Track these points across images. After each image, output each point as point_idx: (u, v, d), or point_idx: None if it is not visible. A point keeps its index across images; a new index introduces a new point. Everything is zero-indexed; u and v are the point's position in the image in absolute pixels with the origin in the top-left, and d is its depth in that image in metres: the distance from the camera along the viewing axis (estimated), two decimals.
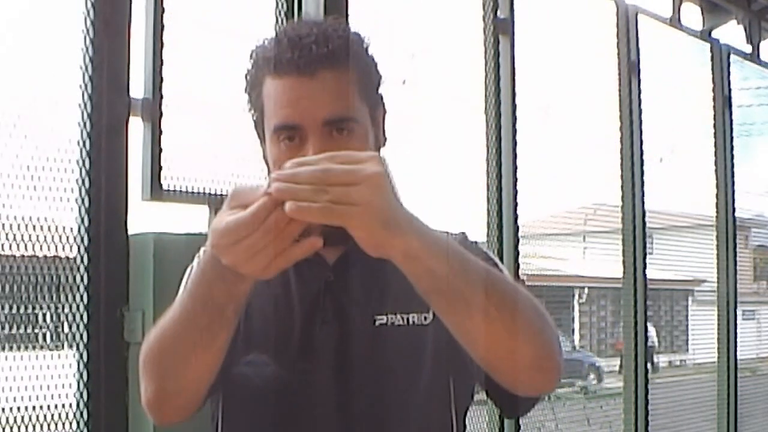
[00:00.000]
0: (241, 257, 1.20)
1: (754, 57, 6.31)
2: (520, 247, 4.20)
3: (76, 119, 2.67)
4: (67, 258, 2.65)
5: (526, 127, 4.25)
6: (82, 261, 2.64)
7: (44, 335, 2.76)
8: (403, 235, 1.20)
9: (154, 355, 1.37)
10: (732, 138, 5.98)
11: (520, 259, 4.22)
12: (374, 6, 3.60)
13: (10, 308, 2.68)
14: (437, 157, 3.96)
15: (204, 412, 1.49)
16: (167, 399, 1.39)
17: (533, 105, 4.40)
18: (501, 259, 4.04)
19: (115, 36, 2.73)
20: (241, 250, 1.19)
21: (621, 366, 5.34)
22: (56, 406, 2.62)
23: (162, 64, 2.83)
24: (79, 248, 2.65)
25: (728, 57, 5.97)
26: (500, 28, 4.17)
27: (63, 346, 2.73)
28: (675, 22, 5.54)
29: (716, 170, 5.91)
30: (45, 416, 2.58)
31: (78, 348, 2.63)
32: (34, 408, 2.56)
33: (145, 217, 2.81)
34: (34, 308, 2.72)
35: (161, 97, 2.83)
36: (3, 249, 2.54)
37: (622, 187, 5.03)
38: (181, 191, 2.89)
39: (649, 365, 5.37)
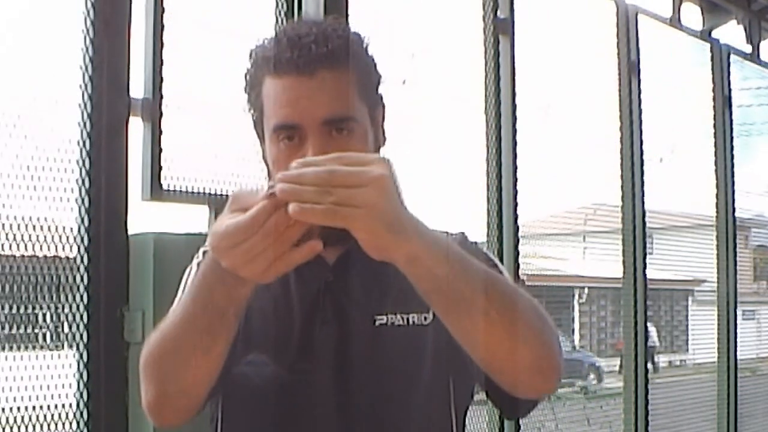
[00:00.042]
0: (240, 260, 1.19)
1: (754, 57, 6.31)
2: (520, 247, 4.20)
3: (76, 119, 2.67)
4: (67, 258, 2.65)
5: (526, 127, 4.25)
6: (82, 261, 2.64)
7: (44, 335, 2.76)
8: (406, 238, 1.20)
9: (155, 359, 1.37)
10: (732, 138, 5.98)
11: (520, 259, 4.22)
12: (374, 6, 3.60)
13: (10, 308, 2.68)
14: (437, 157, 3.96)
15: (203, 413, 1.48)
16: (168, 402, 1.39)
17: (533, 105, 4.40)
18: (501, 259, 4.04)
19: (115, 36, 2.73)
20: (240, 254, 1.19)
21: (621, 366, 5.34)
22: (56, 406, 2.62)
23: (162, 64, 2.83)
24: (79, 248, 2.65)
25: (728, 57, 5.97)
26: (500, 28, 4.17)
27: (63, 346, 2.73)
28: (675, 22, 5.54)
29: (716, 170, 5.91)
30: (45, 416, 2.58)
31: (78, 348, 2.63)
32: (34, 408, 2.56)
33: (145, 217, 2.82)
34: (34, 308, 2.72)
35: (161, 97, 2.83)
36: (3, 249, 2.54)
37: (622, 187, 5.03)
38: (181, 191, 2.89)
39: (650, 365, 5.37)
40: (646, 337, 5.16)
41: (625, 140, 5.02)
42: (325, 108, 1.41)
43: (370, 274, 1.46)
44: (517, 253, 4.17)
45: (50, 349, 2.75)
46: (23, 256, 2.59)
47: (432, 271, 1.24)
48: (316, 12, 3.20)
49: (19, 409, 2.54)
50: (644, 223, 5.08)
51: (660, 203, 5.43)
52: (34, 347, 2.73)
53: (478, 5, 4.13)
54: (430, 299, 1.29)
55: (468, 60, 4.14)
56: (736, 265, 5.94)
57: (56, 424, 2.60)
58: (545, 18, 4.55)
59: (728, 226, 5.91)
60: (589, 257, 5.99)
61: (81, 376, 2.62)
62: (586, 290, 6.76)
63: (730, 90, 5.97)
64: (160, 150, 2.83)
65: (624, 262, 5.03)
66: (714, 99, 5.89)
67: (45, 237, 2.60)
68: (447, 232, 1.59)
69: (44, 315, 2.75)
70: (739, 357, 5.94)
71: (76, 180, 2.66)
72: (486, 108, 4.13)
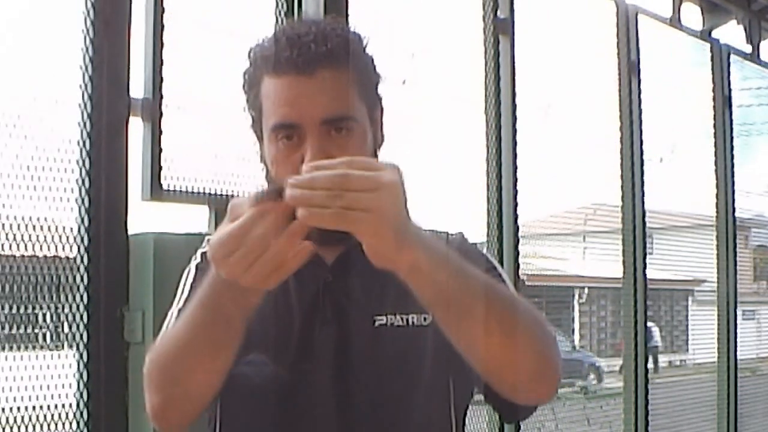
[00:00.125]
0: (238, 269, 1.19)
1: (754, 57, 6.31)
2: (520, 247, 4.20)
3: (76, 119, 2.67)
4: (67, 258, 2.65)
5: (526, 127, 4.25)
6: (82, 261, 2.64)
7: (44, 335, 2.76)
8: (410, 246, 1.21)
9: (161, 365, 1.37)
10: (732, 138, 5.98)
11: (520, 259, 4.22)
12: (374, 6, 3.60)
13: (10, 308, 2.68)
14: (437, 157, 3.96)
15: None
16: (173, 407, 1.39)
17: (533, 105, 4.40)
18: (501, 258, 4.05)
19: (115, 36, 2.73)
20: (235, 263, 1.19)
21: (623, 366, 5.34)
22: (56, 406, 2.62)
23: (162, 64, 2.83)
24: (79, 248, 2.65)
25: (728, 57, 5.97)
26: (500, 28, 4.17)
27: (63, 346, 2.73)
28: (675, 22, 5.54)
29: (716, 170, 5.91)
30: (45, 416, 2.58)
31: (78, 348, 2.63)
32: (34, 408, 2.56)
33: (145, 217, 2.82)
34: (34, 308, 2.72)
35: (161, 97, 2.83)
36: (3, 249, 2.54)
37: (622, 187, 5.03)
38: (181, 191, 2.89)
39: (652, 365, 5.37)
40: (646, 337, 5.16)
41: (625, 140, 5.02)
42: (325, 107, 1.41)
43: (370, 275, 1.45)
44: (517, 253, 4.17)
45: (50, 349, 2.75)
46: (23, 256, 2.59)
47: (433, 280, 1.25)
48: (316, 12, 3.20)
49: (19, 409, 2.54)
50: (644, 223, 5.08)
51: (660, 203, 5.43)
52: (34, 347, 2.73)
53: (478, 5, 4.13)
54: (430, 308, 1.31)
55: (468, 60, 4.14)
56: (736, 265, 5.95)
57: (56, 424, 2.60)
58: (545, 18, 4.55)
59: (728, 226, 5.91)
60: (589, 257, 5.99)
61: (81, 376, 2.62)
62: (586, 290, 6.75)
63: (730, 90, 5.97)
64: (160, 150, 2.83)
65: (624, 262, 5.03)
66: (714, 99, 5.89)
67: (45, 237, 2.60)
68: (447, 233, 1.59)
69: (44, 315, 2.75)
70: (739, 357, 5.94)
71: (76, 180, 2.66)
72: (486, 108, 4.13)
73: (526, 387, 1.36)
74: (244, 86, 1.49)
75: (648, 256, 5.13)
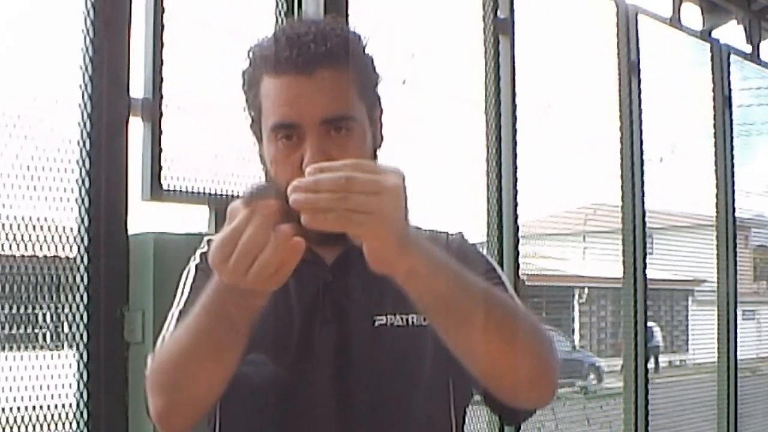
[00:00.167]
0: (236, 273, 1.19)
1: (754, 57, 6.31)
2: (520, 247, 4.20)
3: (76, 119, 2.67)
4: (67, 258, 2.65)
5: (526, 127, 4.25)
6: (82, 261, 2.64)
7: (44, 335, 2.76)
8: (409, 251, 1.21)
9: (164, 370, 1.37)
10: (732, 138, 5.98)
11: (520, 259, 4.22)
12: (374, 6, 3.60)
13: (10, 308, 2.68)
14: (437, 157, 3.96)
15: None
16: (177, 412, 1.39)
17: (533, 105, 4.40)
18: (501, 258, 4.05)
19: (115, 36, 2.73)
20: (233, 267, 1.19)
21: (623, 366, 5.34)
22: (56, 406, 2.62)
23: (162, 64, 2.83)
24: (79, 248, 2.65)
25: (728, 57, 5.97)
26: (500, 28, 4.17)
27: (63, 346, 2.73)
28: (675, 22, 5.54)
29: (716, 170, 5.91)
30: (45, 416, 2.58)
31: (78, 348, 2.63)
32: (34, 408, 2.56)
33: (145, 217, 2.82)
34: (34, 308, 2.72)
35: (161, 97, 2.83)
36: (3, 249, 2.54)
37: (622, 187, 5.03)
38: (181, 191, 2.89)
39: (653, 365, 5.36)
40: (646, 337, 5.16)
41: (625, 140, 5.02)
42: (324, 107, 1.41)
43: (370, 275, 1.45)
44: (517, 253, 4.17)
45: (50, 349, 2.75)
46: (23, 256, 2.59)
47: (430, 287, 1.25)
48: (316, 12, 3.20)
49: (19, 409, 2.54)
50: (644, 223, 5.08)
51: (660, 203, 5.43)
52: (34, 347, 2.73)
53: (478, 5, 4.13)
54: (427, 313, 1.31)
55: (468, 60, 4.14)
56: (736, 265, 5.95)
57: (56, 424, 2.60)
58: (545, 18, 4.55)
59: (728, 226, 5.91)
60: (589, 257, 5.99)
61: (81, 376, 2.62)
62: (586, 290, 6.75)
63: (730, 90, 5.97)
64: (160, 150, 2.83)
65: (624, 262, 5.03)
66: (714, 99, 5.89)
67: (45, 237, 2.60)
68: (447, 233, 1.59)
69: (44, 315, 2.75)
70: (739, 357, 5.94)
71: (76, 180, 2.66)
72: (486, 108, 4.13)
73: (524, 392, 1.36)
74: (243, 86, 1.49)
75: (648, 256, 5.13)
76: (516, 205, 4.15)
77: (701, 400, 5.87)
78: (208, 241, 1.54)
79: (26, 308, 2.71)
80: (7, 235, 2.53)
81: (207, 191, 2.97)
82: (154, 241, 2.72)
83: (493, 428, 4.09)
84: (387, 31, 3.55)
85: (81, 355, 2.62)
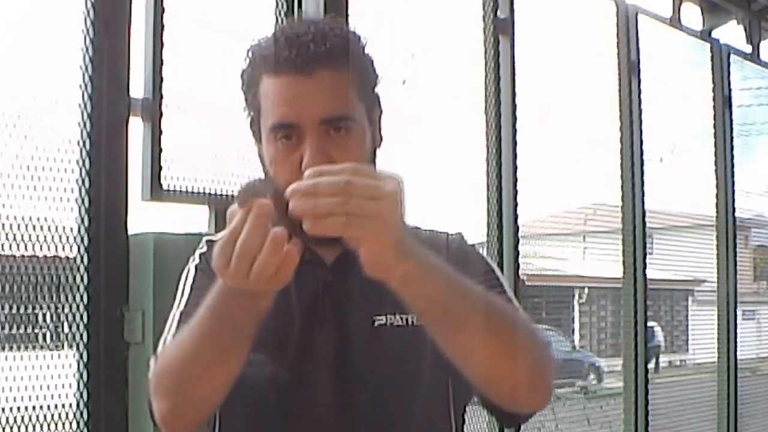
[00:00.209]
0: (238, 275, 1.19)
1: (754, 57, 6.31)
2: (520, 247, 4.20)
3: (76, 119, 2.67)
4: (67, 258, 2.65)
5: (526, 127, 4.25)
6: (82, 261, 2.64)
7: (44, 335, 2.76)
8: (405, 257, 1.21)
9: (168, 374, 1.37)
10: (732, 138, 5.98)
11: (520, 259, 4.22)
12: (374, 6, 3.60)
13: (10, 308, 2.68)
14: (437, 157, 3.96)
15: None
16: (182, 415, 1.39)
17: (533, 105, 4.40)
18: (501, 258, 4.05)
19: (115, 36, 2.73)
20: (234, 269, 1.19)
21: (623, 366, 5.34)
22: (56, 406, 2.62)
23: (162, 64, 2.83)
24: (79, 248, 2.65)
25: (728, 57, 5.97)
26: (500, 28, 4.17)
27: (63, 346, 2.73)
28: (675, 22, 5.54)
29: (716, 170, 5.91)
30: (45, 416, 2.58)
31: (78, 348, 2.63)
32: (34, 408, 2.56)
33: (145, 217, 2.82)
34: (34, 308, 2.72)
35: (161, 97, 2.83)
36: (3, 249, 2.54)
37: (622, 187, 5.03)
38: (181, 191, 2.89)
39: (653, 365, 5.36)
40: (646, 337, 5.16)
41: (625, 140, 5.02)
42: (323, 107, 1.41)
43: (369, 275, 1.46)
44: (517, 253, 4.17)
45: (50, 349, 2.75)
46: (23, 256, 2.59)
47: (426, 292, 1.25)
48: (316, 12, 3.20)
49: (19, 409, 2.54)
50: (644, 223, 5.08)
51: (660, 203, 5.43)
52: (34, 347, 2.73)
53: (478, 5, 4.13)
54: (422, 318, 1.31)
55: (468, 60, 4.14)
56: (736, 265, 5.94)
57: (56, 424, 2.60)
58: (545, 18, 4.55)
59: (728, 226, 5.91)
60: (589, 257, 5.99)
61: (81, 376, 2.62)
62: (586, 290, 6.75)
63: (730, 90, 5.97)
64: (160, 150, 2.83)
65: (624, 262, 5.03)
66: (714, 99, 5.89)
67: (45, 237, 2.60)
68: (446, 233, 1.59)
69: (44, 315, 2.75)
70: (739, 357, 5.94)
71: (76, 180, 2.66)
72: (486, 108, 4.13)
73: (522, 397, 1.36)
74: (242, 86, 1.49)
75: (648, 256, 5.13)
76: (516, 205, 4.15)
77: (701, 400, 5.87)
78: (207, 242, 1.54)
79: (26, 308, 2.71)
80: (7, 235, 2.53)
81: (207, 191, 2.96)
82: (154, 241, 2.72)
83: (492, 428, 4.09)
84: (387, 31, 3.55)
85: (81, 355, 2.62)
